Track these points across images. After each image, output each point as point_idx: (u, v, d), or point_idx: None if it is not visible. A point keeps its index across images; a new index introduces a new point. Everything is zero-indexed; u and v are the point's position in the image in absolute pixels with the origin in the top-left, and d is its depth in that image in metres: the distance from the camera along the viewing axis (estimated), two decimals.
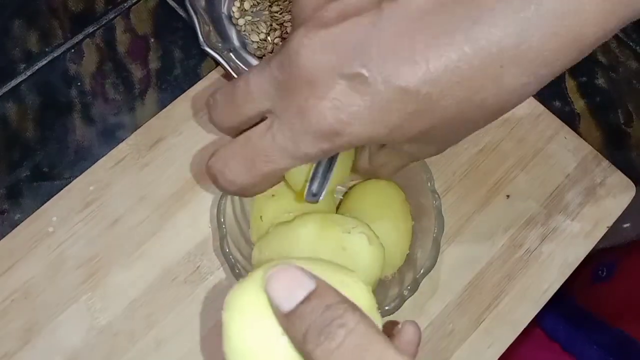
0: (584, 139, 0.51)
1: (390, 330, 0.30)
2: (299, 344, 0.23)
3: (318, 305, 0.22)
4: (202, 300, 0.45)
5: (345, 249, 0.37)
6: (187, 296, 0.45)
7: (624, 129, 0.53)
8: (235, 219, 0.42)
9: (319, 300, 0.23)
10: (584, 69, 0.54)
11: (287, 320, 0.23)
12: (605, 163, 0.50)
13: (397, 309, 0.38)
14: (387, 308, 0.38)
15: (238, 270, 0.39)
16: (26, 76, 0.51)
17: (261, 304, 0.24)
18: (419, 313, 0.45)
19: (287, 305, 0.23)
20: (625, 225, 0.52)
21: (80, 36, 0.53)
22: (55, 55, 0.52)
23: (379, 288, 0.40)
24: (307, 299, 0.23)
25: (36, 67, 0.52)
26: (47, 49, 0.52)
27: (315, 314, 0.22)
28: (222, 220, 0.40)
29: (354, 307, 0.23)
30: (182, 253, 0.46)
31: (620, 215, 0.49)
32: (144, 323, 0.44)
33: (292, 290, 0.23)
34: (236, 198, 0.42)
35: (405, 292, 0.38)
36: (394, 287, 0.40)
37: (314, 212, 0.40)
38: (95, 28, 0.53)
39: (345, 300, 0.23)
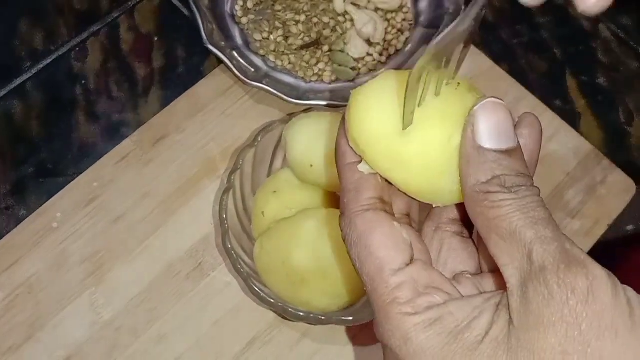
0: (584, 137, 0.51)
1: None
2: (468, 178, 0.22)
3: (513, 165, 0.22)
4: (204, 296, 0.45)
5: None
6: (190, 291, 0.45)
7: (624, 128, 0.53)
8: (238, 216, 0.42)
9: (515, 162, 0.22)
10: (585, 68, 0.55)
11: (478, 152, 0.22)
12: (606, 162, 0.50)
13: None
14: None
15: (240, 266, 0.39)
16: (31, 74, 0.52)
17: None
18: None
19: (487, 143, 0.22)
20: (628, 228, 0.52)
21: (84, 35, 0.53)
22: (60, 53, 0.53)
23: None
24: (507, 152, 0.22)
25: (41, 65, 0.52)
26: (52, 47, 0.53)
27: (510, 171, 0.22)
28: (225, 216, 0.40)
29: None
30: (184, 249, 0.46)
31: (623, 216, 0.49)
32: (147, 318, 0.45)
33: (499, 136, 0.22)
34: (238, 194, 0.42)
35: None
36: None
37: (314, 207, 0.41)
38: (99, 27, 0.54)
39: (528, 176, 0.22)
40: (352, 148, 0.24)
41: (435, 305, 0.21)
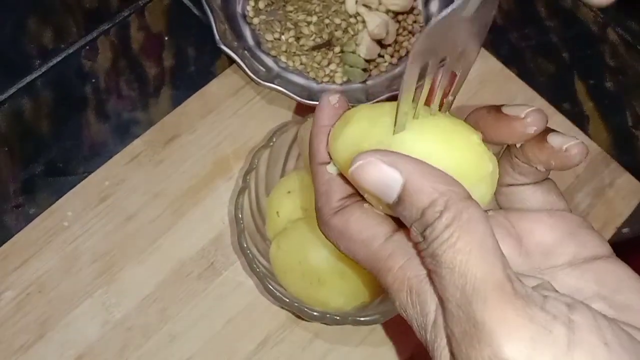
0: (593, 140, 0.52)
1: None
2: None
3: (413, 210, 0.21)
4: (216, 296, 0.45)
5: None
6: (202, 291, 0.45)
7: (632, 131, 0.53)
8: (252, 215, 0.42)
9: (411, 203, 0.21)
10: (593, 71, 0.55)
11: (393, 210, 0.22)
12: (614, 164, 0.51)
13: None
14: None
15: (256, 265, 0.39)
16: (41, 72, 0.52)
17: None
18: None
19: (386, 200, 0.22)
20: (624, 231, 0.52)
21: (95, 33, 0.53)
22: (70, 51, 0.52)
23: None
24: (400, 200, 0.21)
25: (51, 63, 0.52)
26: (62, 46, 0.52)
27: (414, 217, 0.21)
28: (241, 216, 0.40)
29: (452, 203, 0.20)
30: (196, 249, 0.46)
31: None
32: (158, 318, 0.45)
33: (382, 190, 0.21)
34: (253, 194, 0.42)
35: None
36: None
37: None
38: (110, 25, 0.54)
39: (440, 195, 0.20)
40: (326, 149, 0.25)
41: None
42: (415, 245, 0.22)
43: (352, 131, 0.24)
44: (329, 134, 0.25)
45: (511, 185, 0.26)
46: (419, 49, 0.21)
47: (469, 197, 0.21)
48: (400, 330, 0.44)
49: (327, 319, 0.39)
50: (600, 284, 0.23)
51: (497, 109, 0.24)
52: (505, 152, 0.26)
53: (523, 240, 0.25)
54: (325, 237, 0.25)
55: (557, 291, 0.22)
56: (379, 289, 0.39)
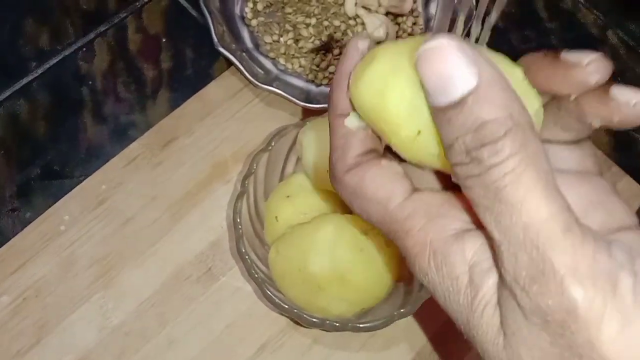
0: (593, 143, 0.51)
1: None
2: (445, 146, 0.19)
3: (472, 117, 0.18)
4: (214, 301, 0.45)
5: (363, 250, 0.37)
6: (200, 296, 0.45)
7: (632, 135, 0.53)
8: (250, 220, 0.42)
9: (475, 109, 0.18)
10: None
11: (436, 115, 0.19)
12: (615, 168, 0.51)
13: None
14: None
15: (254, 271, 0.39)
16: (37, 74, 0.51)
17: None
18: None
19: (437, 100, 0.18)
20: None
21: (91, 35, 0.53)
22: (66, 53, 0.52)
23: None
24: (462, 102, 0.18)
25: (47, 65, 0.51)
26: (58, 47, 0.52)
27: (468, 127, 0.18)
28: (239, 220, 0.40)
29: (520, 129, 0.18)
30: (194, 253, 0.46)
31: None
32: (156, 322, 0.44)
33: (446, 83, 0.18)
34: (251, 199, 0.42)
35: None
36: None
37: (330, 213, 0.40)
38: (107, 27, 0.53)
39: (509, 116, 0.18)
40: (349, 100, 0.22)
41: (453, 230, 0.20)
42: (456, 167, 0.19)
43: (378, 68, 0.20)
44: (349, 80, 0.22)
45: (548, 141, 0.24)
46: None
47: (534, 125, 0.19)
48: (400, 336, 0.44)
49: (326, 325, 0.38)
50: (631, 255, 0.21)
51: (554, 53, 0.22)
52: (549, 104, 0.23)
53: None
54: (339, 195, 0.22)
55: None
56: (379, 295, 0.39)
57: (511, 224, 0.18)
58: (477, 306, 0.19)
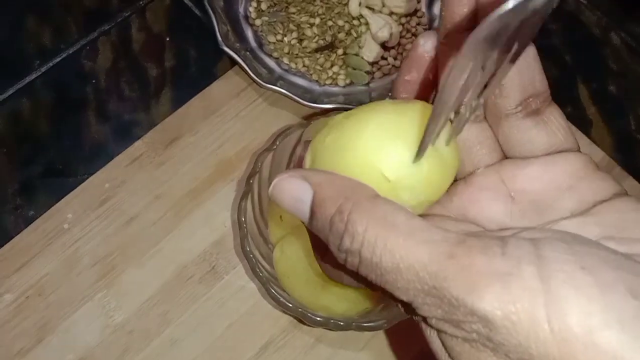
0: (596, 144, 0.52)
1: None
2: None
3: (322, 221, 0.20)
4: (217, 300, 0.45)
5: None
6: (203, 295, 0.45)
7: (635, 136, 0.53)
8: (255, 219, 0.42)
9: (321, 211, 0.20)
10: (596, 75, 0.55)
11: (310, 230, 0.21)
12: (618, 169, 0.51)
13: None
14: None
15: (259, 270, 0.39)
16: (41, 72, 0.51)
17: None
18: None
19: (303, 219, 0.21)
20: None
21: (95, 33, 0.53)
22: (70, 51, 0.52)
23: None
24: (312, 213, 0.20)
25: (51, 64, 0.51)
26: (62, 46, 0.52)
27: (325, 230, 0.20)
28: (244, 219, 0.40)
29: (358, 205, 0.19)
30: (197, 252, 0.46)
31: None
32: (159, 322, 0.44)
33: (297, 206, 0.21)
34: (255, 198, 0.42)
35: None
36: None
37: None
38: (110, 25, 0.53)
39: (346, 200, 0.19)
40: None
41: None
42: (342, 266, 0.20)
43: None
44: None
45: (509, 115, 0.24)
46: (482, 35, 0.16)
47: (377, 194, 0.20)
48: (403, 335, 0.44)
49: (330, 324, 0.38)
50: (604, 226, 0.21)
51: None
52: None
53: (516, 199, 0.23)
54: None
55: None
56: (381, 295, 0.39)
57: (407, 283, 0.18)
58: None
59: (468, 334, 0.18)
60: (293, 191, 0.21)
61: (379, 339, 0.44)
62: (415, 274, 0.18)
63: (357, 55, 0.50)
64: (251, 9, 0.52)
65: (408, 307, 0.19)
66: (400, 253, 0.18)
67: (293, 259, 0.39)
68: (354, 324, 0.38)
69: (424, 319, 0.19)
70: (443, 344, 0.19)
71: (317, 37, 0.51)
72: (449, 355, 0.19)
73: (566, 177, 0.23)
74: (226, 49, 0.48)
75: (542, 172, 0.23)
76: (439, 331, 0.19)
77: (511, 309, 0.17)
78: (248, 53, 0.50)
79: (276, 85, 0.48)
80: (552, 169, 0.23)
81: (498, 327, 0.17)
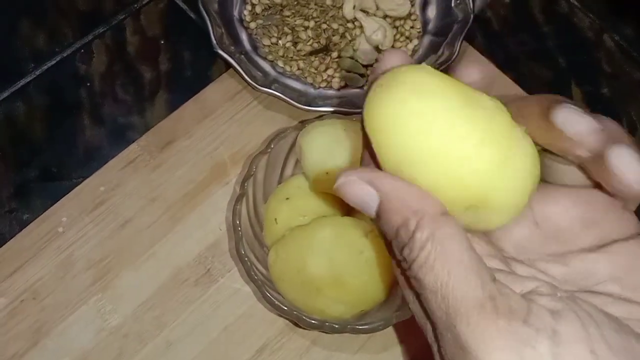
0: None
1: None
2: None
3: (389, 228, 0.21)
4: (212, 303, 0.45)
5: (363, 253, 0.37)
6: (198, 298, 0.45)
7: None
8: (250, 222, 0.42)
9: (387, 221, 0.21)
10: (589, 78, 0.55)
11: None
12: None
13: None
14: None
15: (254, 273, 0.39)
16: (35, 76, 0.51)
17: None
18: None
19: (370, 214, 0.22)
20: None
21: (89, 36, 0.53)
22: (64, 55, 0.52)
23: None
24: (378, 217, 0.21)
25: (45, 67, 0.51)
26: (56, 49, 0.52)
27: (391, 236, 0.21)
28: (238, 222, 0.40)
29: (425, 221, 0.20)
30: (192, 255, 0.46)
31: None
32: (154, 325, 0.44)
33: (364, 207, 0.21)
34: (250, 201, 0.42)
35: None
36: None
37: (329, 215, 0.40)
38: (105, 29, 0.53)
39: (414, 213, 0.20)
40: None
41: None
42: (399, 265, 0.22)
43: None
44: None
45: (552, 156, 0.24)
46: None
47: (445, 212, 0.20)
48: (398, 337, 0.44)
49: (325, 327, 0.38)
50: (615, 266, 0.22)
51: (547, 107, 0.22)
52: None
53: (540, 226, 0.24)
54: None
55: (552, 291, 0.21)
56: (377, 297, 0.39)
57: (436, 308, 0.20)
58: None
59: None
60: (358, 196, 0.21)
61: (375, 341, 0.44)
62: (444, 305, 0.19)
63: (351, 58, 0.51)
64: (246, 12, 0.52)
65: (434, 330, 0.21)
66: (442, 280, 0.19)
67: (288, 263, 0.39)
68: (349, 326, 0.38)
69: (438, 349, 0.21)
70: None
71: (311, 40, 0.51)
72: None
73: (592, 213, 0.23)
74: (221, 52, 0.48)
75: (571, 206, 0.24)
76: None
77: None
78: (243, 56, 0.50)
79: (271, 88, 0.48)
80: (581, 205, 0.24)
81: None
